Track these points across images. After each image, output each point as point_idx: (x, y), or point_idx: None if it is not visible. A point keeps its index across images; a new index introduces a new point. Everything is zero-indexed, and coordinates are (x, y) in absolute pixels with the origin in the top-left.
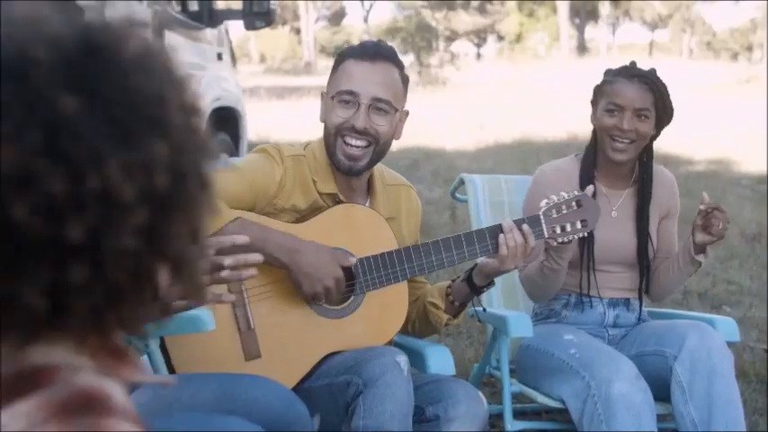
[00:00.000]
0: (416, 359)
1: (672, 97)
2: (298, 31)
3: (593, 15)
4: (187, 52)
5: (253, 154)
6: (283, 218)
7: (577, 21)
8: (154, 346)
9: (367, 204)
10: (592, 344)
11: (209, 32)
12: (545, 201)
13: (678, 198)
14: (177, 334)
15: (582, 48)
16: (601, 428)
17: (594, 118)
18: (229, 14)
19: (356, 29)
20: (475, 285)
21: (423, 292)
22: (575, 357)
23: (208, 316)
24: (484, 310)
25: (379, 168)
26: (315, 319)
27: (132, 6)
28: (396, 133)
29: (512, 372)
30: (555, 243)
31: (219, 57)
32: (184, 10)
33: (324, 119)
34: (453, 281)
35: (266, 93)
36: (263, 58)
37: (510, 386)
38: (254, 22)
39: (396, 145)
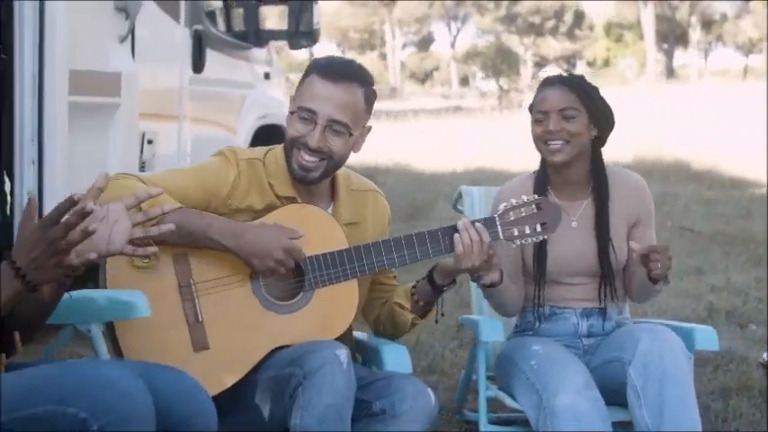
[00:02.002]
0: (375, 357)
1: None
2: (384, 57)
3: (683, 41)
4: (232, 71)
5: (211, 157)
6: (239, 218)
7: (666, 46)
8: (95, 329)
9: (330, 209)
10: (552, 355)
11: (255, 52)
12: (503, 204)
13: (651, 203)
14: (113, 319)
15: (670, 72)
16: None
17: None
18: (275, 35)
19: (444, 54)
20: (436, 284)
21: (391, 294)
22: (533, 369)
23: (143, 302)
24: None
25: (345, 173)
26: (263, 314)
27: (170, 27)
28: (354, 147)
29: (492, 378)
30: (514, 245)
31: (267, 76)
32: (229, 30)
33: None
34: (418, 281)
35: None
36: None
37: (486, 390)
38: (299, 41)
39: (479, 166)
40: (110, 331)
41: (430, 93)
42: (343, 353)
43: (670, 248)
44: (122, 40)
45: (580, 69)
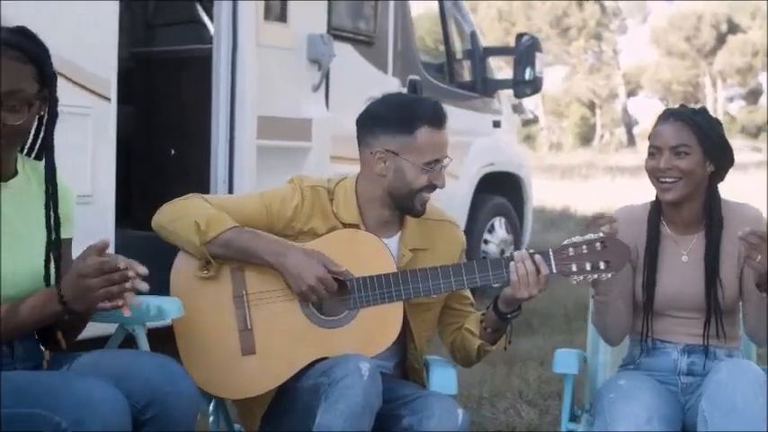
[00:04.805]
0: (428, 376)
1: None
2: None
3: None
4: (454, 120)
5: (283, 184)
6: (303, 239)
7: None
8: (138, 329)
9: (398, 236)
10: (630, 390)
11: (482, 101)
12: (568, 240)
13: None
14: (150, 321)
15: None
16: None
17: None
18: (501, 84)
19: None
20: (500, 311)
21: (465, 320)
22: (610, 401)
23: (175, 306)
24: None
25: None
26: (309, 327)
27: (375, 77)
28: None
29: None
30: (574, 281)
31: (496, 124)
32: (453, 80)
33: (394, 178)
34: (487, 308)
35: None
36: None
37: (567, 422)
38: (523, 90)
39: None
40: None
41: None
42: (365, 366)
43: None
44: (315, 88)
45: None
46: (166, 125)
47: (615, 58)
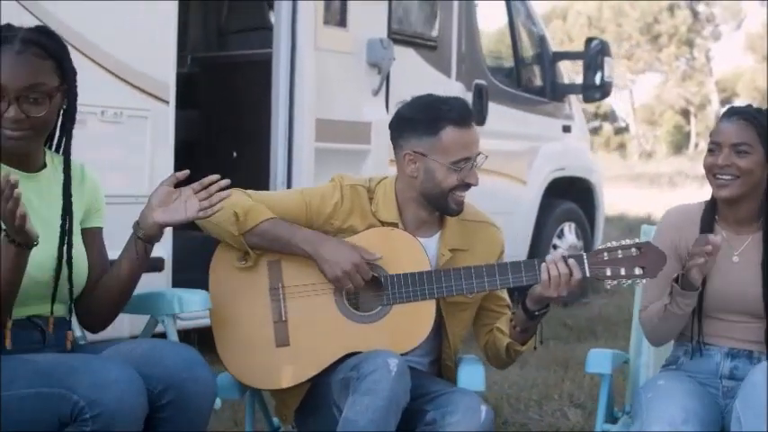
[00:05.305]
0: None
1: None
2: None
3: None
4: (522, 125)
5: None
6: (341, 236)
7: None
8: (167, 320)
9: (437, 235)
10: (668, 389)
11: (552, 106)
12: (604, 244)
13: None
14: (178, 312)
15: None
16: None
17: None
18: (570, 88)
19: None
20: (528, 309)
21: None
22: (648, 400)
23: (201, 298)
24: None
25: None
26: (342, 321)
27: (438, 81)
28: None
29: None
30: (608, 285)
31: (566, 129)
32: (521, 85)
33: (425, 179)
34: (517, 305)
35: None
36: None
37: (603, 423)
38: (592, 94)
39: None
40: None
41: None
42: (394, 362)
43: None
44: (375, 92)
45: None
46: (230, 128)
47: (708, 65)
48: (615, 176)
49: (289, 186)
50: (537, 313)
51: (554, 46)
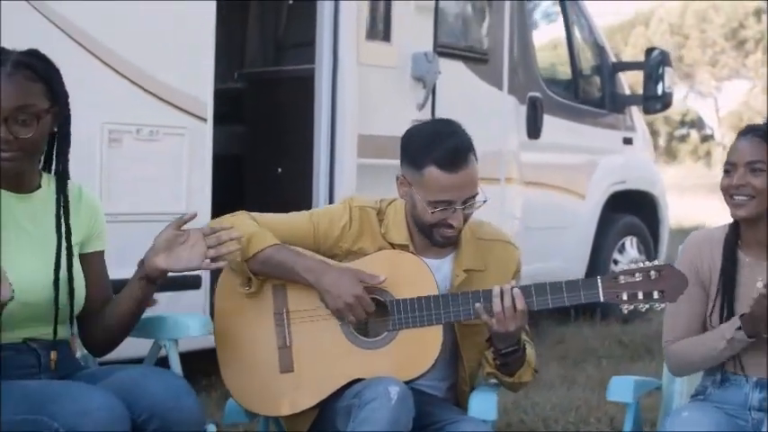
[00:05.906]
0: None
1: None
2: None
3: None
4: (580, 137)
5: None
6: (351, 259)
7: None
8: (169, 344)
9: (451, 256)
10: (691, 421)
11: (612, 118)
12: (621, 267)
13: None
14: (178, 337)
15: None
16: None
17: None
18: (630, 99)
19: None
20: (495, 347)
21: None
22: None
23: (200, 323)
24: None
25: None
26: (347, 347)
27: (489, 95)
28: None
29: None
30: (625, 310)
31: (627, 141)
32: (579, 96)
33: (411, 206)
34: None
35: None
36: None
37: None
38: (653, 105)
39: None
40: None
41: None
42: (395, 389)
43: None
44: (421, 107)
45: None
46: (275, 143)
47: None
48: (695, 186)
49: (331, 203)
50: (503, 352)
51: (636, 53)
